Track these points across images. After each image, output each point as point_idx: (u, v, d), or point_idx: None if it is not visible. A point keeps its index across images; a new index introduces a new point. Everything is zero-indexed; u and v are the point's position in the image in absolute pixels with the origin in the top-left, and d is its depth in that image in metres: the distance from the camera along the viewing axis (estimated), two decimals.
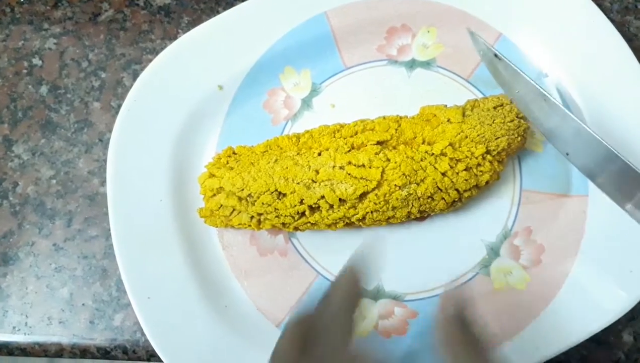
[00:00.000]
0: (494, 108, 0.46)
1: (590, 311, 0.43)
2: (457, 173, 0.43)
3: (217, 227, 0.47)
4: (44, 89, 0.55)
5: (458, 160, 0.44)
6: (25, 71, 0.55)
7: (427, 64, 0.51)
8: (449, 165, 0.43)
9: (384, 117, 0.47)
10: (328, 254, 0.47)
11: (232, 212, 0.45)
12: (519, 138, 0.45)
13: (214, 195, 0.45)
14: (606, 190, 0.42)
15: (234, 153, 0.47)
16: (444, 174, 0.43)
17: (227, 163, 0.46)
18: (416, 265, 0.46)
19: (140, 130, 0.48)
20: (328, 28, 0.51)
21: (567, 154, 0.43)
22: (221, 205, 0.45)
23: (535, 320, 0.43)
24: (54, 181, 0.53)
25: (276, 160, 0.45)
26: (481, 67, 0.51)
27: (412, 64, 0.51)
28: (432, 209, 0.45)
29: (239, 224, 0.45)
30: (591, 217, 0.46)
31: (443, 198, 0.44)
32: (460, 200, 0.45)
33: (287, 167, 0.44)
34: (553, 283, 0.44)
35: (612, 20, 0.49)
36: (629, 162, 0.39)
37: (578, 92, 0.48)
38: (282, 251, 0.48)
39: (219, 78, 0.50)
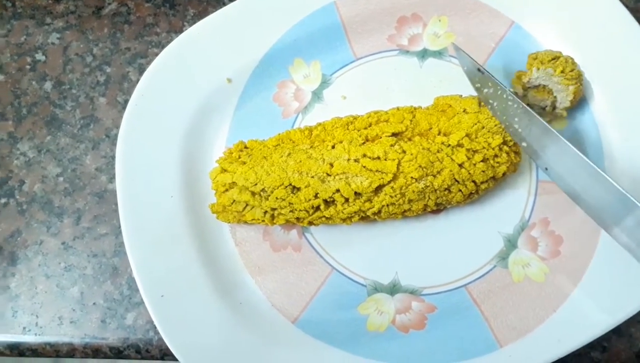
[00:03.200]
0: (551, 60, 0.45)
1: (611, 302, 0.42)
2: (474, 164, 0.43)
3: (229, 222, 0.46)
4: (48, 85, 0.54)
5: (475, 151, 0.43)
6: (28, 67, 0.54)
7: (439, 54, 0.51)
8: (466, 156, 0.42)
9: (397, 108, 0.46)
10: (342, 249, 0.47)
11: (245, 208, 0.44)
12: (581, 86, 0.45)
13: (227, 190, 0.44)
14: (590, 213, 0.41)
15: (246, 147, 0.46)
16: (460, 166, 0.42)
17: (239, 157, 0.45)
18: (433, 258, 0.46)
19: (148, 126, 0.47)
20: (337, 18, 0.50)
21: (546, 169, 0.43)
22: (234, 201, 0.44)
23: (556, 313, 0.43)
24: (61, 178, 0.52)
25: (289, 154, 0.44)
26: (494, 56, 0.50)
27: (423, 54, 0.51)
28: (449, 201, 0.44)
29: (252, 220, 0.45)
30: None
31: (460, 191, 0.43)
32: (477, 192, 0.44)
33: (300, 161, 0.43)
34: (572, 275, 0.44)
35: (626, 7, 0.48)
36: (615, 183, 0.38)
37: (593, 79, 0.47)
38: (295, 246, 0.47)
39: (228, 71, 0.49)
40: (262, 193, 0.43)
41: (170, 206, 0.46)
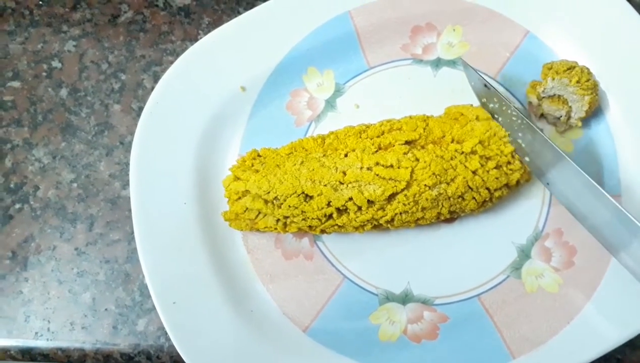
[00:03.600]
0: (566, 70, 0.45)
1: (625, 314, 0.42)
2: (488, 171, 0.42)
3: (242, 230, 0.46)
4: (63, 92, 0.54)
5: (488, 158, 0.43)
6: (44, 74, 0.55)
7: (452, 63, 0.51)
8: (479, 163, 0.42)
9: (410, 117, 0.46)
10: (354, 257, 0.47)
11: (257, 215, 0.44)
12: (596, 96, 0.45)
13: (239, 198, 0.45)
14: (595, 234, 0.41)
15: (259, 155, 0.46)
16: (474, 173, 0.42)
17: (252, 165, 0.45)
18: (445, 268, 0.46)
19: (162, 133, 0.48)
20: (352, 27, 0.50)
21: (548, 184, 0.43)
22: (247, 209, 0.44)
23: (569, 324, 0.42)
24: (74, 185, 0.52)
25: (302, 162, 0.44)
26: (508, 66, 0.50)
27: (437, 63, 0.51)
28: (463, 209, 0.44)
29: (265, 227, 0.45)
30: None
31: (474, 198, 0.43)
32: (491, 200, 0.44)
33: (313, 169, 0.43)
34: (586, 286, 0.43)
35: None
36: (621, 208, 0.38)
37: (609, 89, 0.47)
38: (307, 254, 0.47)
39: (242, 79, 0.49)
40: (274, 201, 0.43)
41: (183, 213, 0.46)
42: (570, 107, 0.45)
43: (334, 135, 0.46)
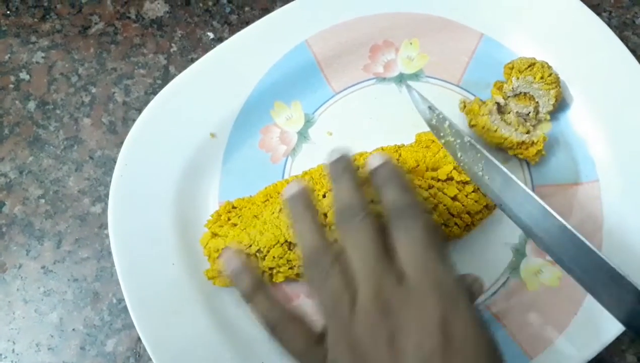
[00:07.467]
0: (528, 68, 0.46)
1: None
2: (467, 195, 0.42)
3: (227, 287, 0.44)
4: (31, 105, 0.53)
5: (465, 183, 0.43)
6: (12, 86, 0.53)
7: (415, 76, 0.51)
8: (457, 188, 0.42)
9: (382, 148, 0.45)
10: None
11: None
12: (560, 88, 0.46)
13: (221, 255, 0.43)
14: (542, 247, 0.39)
15: (234, 207, 0.45)
16: (454, 199, 0.42)
17: (229, 219, 0.44)
18: None
19: (136, 195, 0.45)
20: (311, 56, 0.50)
21: (501, 205, 0.41)
22: None
23: (577, 315, 0.42)
24: (42, 201, 0.50)
25: (280, 209, 0.42)
26: (469, 71, 0.51)
27: (400, 78, 0.51)
28: (446, 238, 0.43)
29: None
30: (606, 203, 0.45)
31: (456, 224, 0.42)
32: (473, 224, 0.43)
33: None
34: None
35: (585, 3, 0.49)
36: (561, 220, 0.37)
37: (569, 80, 0.48)
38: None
39: (209, 126, 0.48)
40: (258, 254, 0.42)
41: (172, 273, 0.44)
42: (537, 102, 0.47)
43: (308, 176, 0.45)
